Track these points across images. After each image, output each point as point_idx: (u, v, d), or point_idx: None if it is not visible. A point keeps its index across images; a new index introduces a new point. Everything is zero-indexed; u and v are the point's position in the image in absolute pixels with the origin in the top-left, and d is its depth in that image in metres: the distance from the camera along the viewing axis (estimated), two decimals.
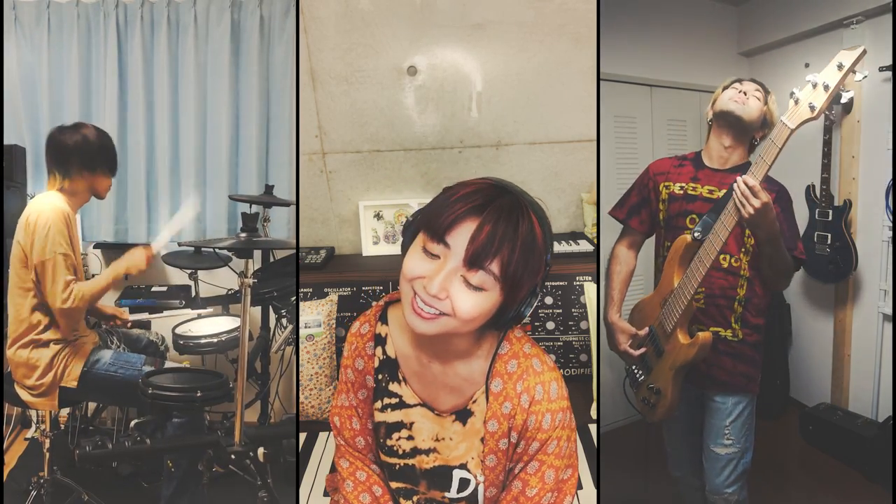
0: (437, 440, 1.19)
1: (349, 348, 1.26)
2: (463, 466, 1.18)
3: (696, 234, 1.62)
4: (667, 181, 1.83)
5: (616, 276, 1.92)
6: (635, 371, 1.90)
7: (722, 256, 1.70)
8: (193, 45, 2.84)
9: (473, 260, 0.95)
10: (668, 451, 2.04)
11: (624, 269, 1.92)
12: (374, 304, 1.34)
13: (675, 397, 1.78)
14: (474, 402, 1.16)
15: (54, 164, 2.12)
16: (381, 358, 1.22)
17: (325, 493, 1.77)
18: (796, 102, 1.43)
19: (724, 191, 1.72)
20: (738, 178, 1.49)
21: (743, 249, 1.72)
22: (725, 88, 1.78)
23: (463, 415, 1.17)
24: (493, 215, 0.96)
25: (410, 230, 1.07)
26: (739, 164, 1.77)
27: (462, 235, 0.96)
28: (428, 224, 1.00)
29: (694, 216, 1.74)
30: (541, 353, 1.16)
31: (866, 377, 2.70)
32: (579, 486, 1.75)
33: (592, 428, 2.04)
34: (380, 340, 1.23)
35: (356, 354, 1.25)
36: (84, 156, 2.12)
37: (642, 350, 1.81)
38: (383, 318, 1.24)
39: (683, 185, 1.80)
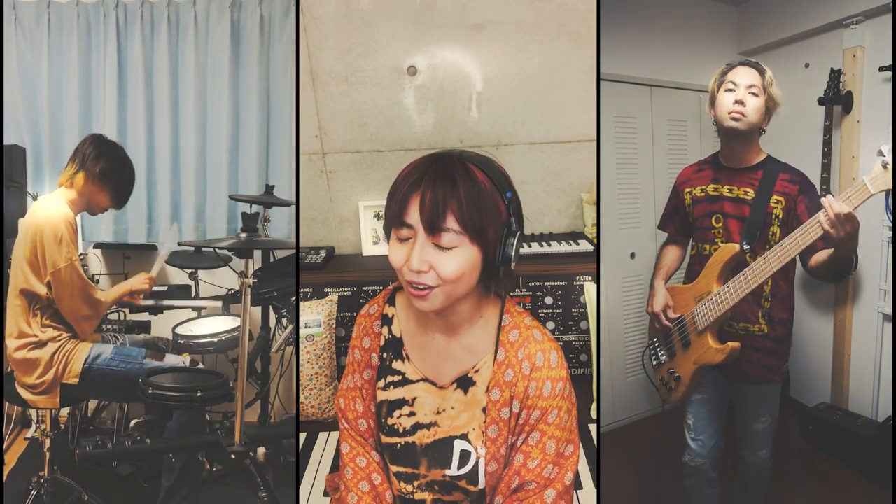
0: (438, 413, 1.23)
1: (357, 329, 1.33)
2: (464, 437, 1.20)
3: (744, 247, 1.72)
4: (689, 187, 1.91)
5: (664, 257, 2.02)
6: (658, 348, 1.98)
7: (748, 255, 1.74)
8: (193, 45, 2.84)
9: (431, 226, 1.05)
10: (690, 438, 2.01)
11: (671, 255, 2.02)
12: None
13: (693, 387, 1.89)
14: (476, 371, 1.21)
15: (107, 166, 2.17)
16: (387, 337, 1.28)
17: (325, 493, 1.77)
18: (885, 167, 1.42)
19: (743, 188, 1.77)
20: (829, 205, 1.47)
21: (768, 246, 1.74)
22: (720, 85, 1.76)
23: (464, 382, 1.21)
24: (429, 182, 1.06)
25: (387, 232, 1.15)
26: (757, 162, 1.79)
27: (415, 211, 1.07)
28: (390, 217, 1.11)
29: (718, 215, 1.82)
30: (540, 326, 1.22)
31: (866, 377, 2.69)
32: (579, 486, 1.75)
33: (592, 428, 2.04)
34: (386, 321, 1.30)
35: (363, 333, 1.31)
36: (118, 175, 2.21)
37: (668, 325, 1.89)
38: (391, 301, 1.31)
39: (704, 187, 1.86)
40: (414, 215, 1.06)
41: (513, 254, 1.10)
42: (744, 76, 1.73)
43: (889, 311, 2.56)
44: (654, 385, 2.04)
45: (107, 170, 2.17)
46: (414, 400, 1.24)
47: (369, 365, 1.29)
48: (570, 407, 1.18)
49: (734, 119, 1.71)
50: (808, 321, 3.02)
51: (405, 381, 1.25)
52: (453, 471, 1.21)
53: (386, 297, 1.32)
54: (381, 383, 1.27)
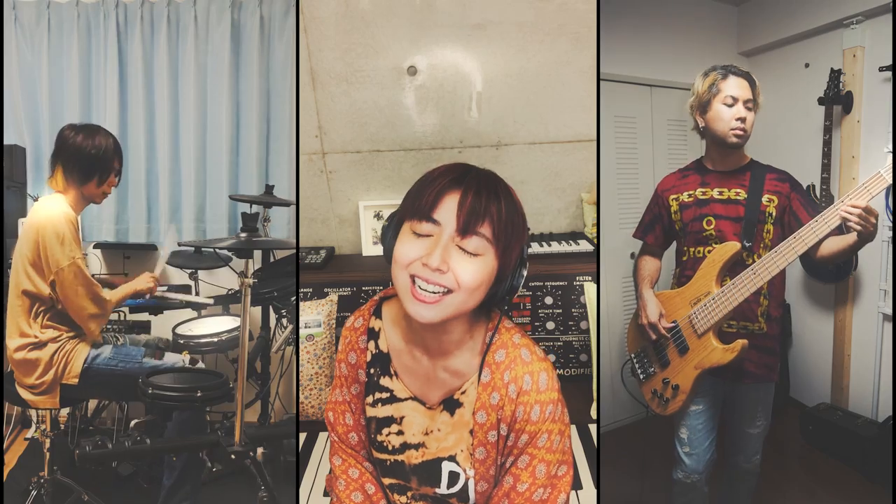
0: (426, 434, 1.19)
1: (343, 342, 1.28)
2: (452, 459, 1.17)
3: (745, 244, 1.73)
4: (674, 193, 1.90)
5: (644, 268, 1.99)
6: (645, 360, 1.93)
7: (746, 254, 1.75)
8: (193, 45, 2.84)
9: (466, 226, 1.00)
10: (684, 453, 1.92)
11: (651, 265, 1.99)
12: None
13: (693, 395, 1.84)
14: (463, 392, 1.16)
15: (65, 165, 2.10)
16: (374, 352, 1.24)
17: (325, 494, 1.77)
18: None
19: (734, 189, 1.79)
20: (850, 207, 1.56)
21: (763, 244, 1.77)
22: (714, 94, 1.78)
23: (450, 404, 1.17)
24: (473, 183, 1.03)
25: (393, 225, 1.11)
26: (744, 164, 1.83)
27: (448, 208, 1.02)
28: (412, 209, 1.05)
29: (710, 218, 1.82)
30: (530, 344, 1.16)
31: (866, 377, 2.70)
32: (579, 486, 1.75)
33: (592, 428, 2.04)
34: (373, 335, 1.24)
35: (349, 348, 1.26)
36: (96, 162, 2.11)
37: (665, 334, 1.84)
38: (377, 313, 1.26)
39: (692, 192, 1.86)
40: (445, 213, 1.02)
41: (519, 287, 1.09)
42: (740, 89, 1.75)
43: (889, 311, 2.56)
44: (641, 401, 1.97)
45: (71, 157, 2.08)
46: (402, 419, 1.21)
47: (357, 380, 1.25)
48: (563, 428, 1.14)
49: (737, 136, 1.75)
50: (808, 321, 3.02)
51: (393, 399, 1.21)
52: (443, 489, 1.19)
53: (372, 309, 1.26)
54: (370, 399, 1.24)
